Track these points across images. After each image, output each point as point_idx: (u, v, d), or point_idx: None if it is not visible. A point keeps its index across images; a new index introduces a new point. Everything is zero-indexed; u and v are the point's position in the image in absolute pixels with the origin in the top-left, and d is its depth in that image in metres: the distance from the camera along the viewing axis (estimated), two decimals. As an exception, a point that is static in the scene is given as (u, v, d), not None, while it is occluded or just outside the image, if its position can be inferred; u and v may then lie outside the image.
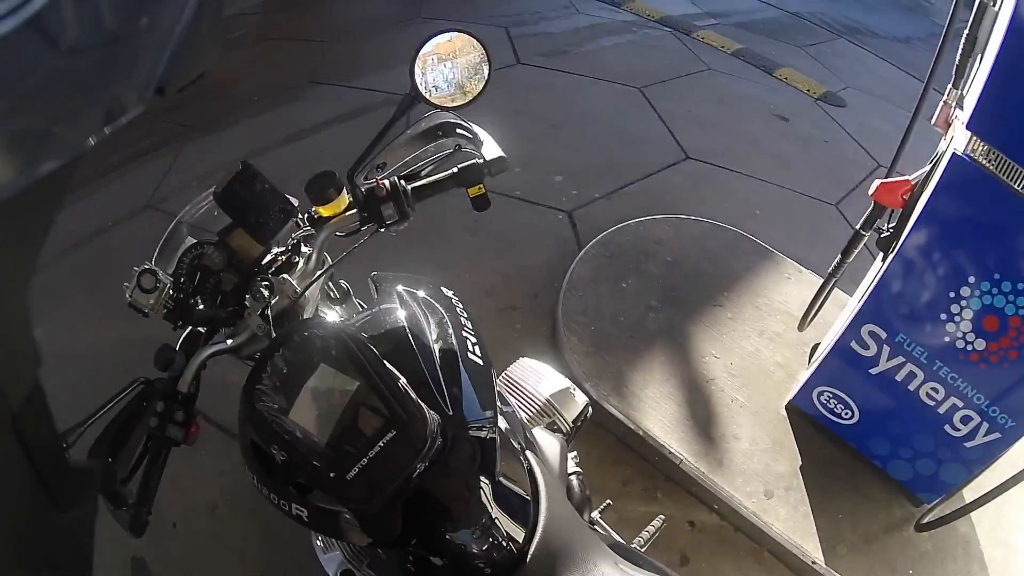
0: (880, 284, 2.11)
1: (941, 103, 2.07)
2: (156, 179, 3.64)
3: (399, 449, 0.79)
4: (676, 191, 3.84)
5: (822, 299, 2.67)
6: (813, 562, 2.26)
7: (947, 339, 2.03)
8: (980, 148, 1.75)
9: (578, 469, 1.49)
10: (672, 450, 2.38)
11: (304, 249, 1.18)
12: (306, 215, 1.18)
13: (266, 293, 1.05)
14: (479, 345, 1.08)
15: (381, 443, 0.78)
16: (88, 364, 2.23)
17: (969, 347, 2.01)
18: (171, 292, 1.05)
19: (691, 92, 4.94)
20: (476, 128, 1.24)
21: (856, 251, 2.39)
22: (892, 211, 2.15)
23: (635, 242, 3.17)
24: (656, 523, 1.82)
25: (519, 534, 0.97)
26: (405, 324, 1.03)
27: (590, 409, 1.58)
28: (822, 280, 3.09)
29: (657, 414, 2.48)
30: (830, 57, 5.96)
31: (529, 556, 0.93)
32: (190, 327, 1.09)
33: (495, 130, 1.21)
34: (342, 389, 0.81)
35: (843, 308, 2.70)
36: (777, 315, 2.98)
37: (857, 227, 2.29)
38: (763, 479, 2.41)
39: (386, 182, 1.13)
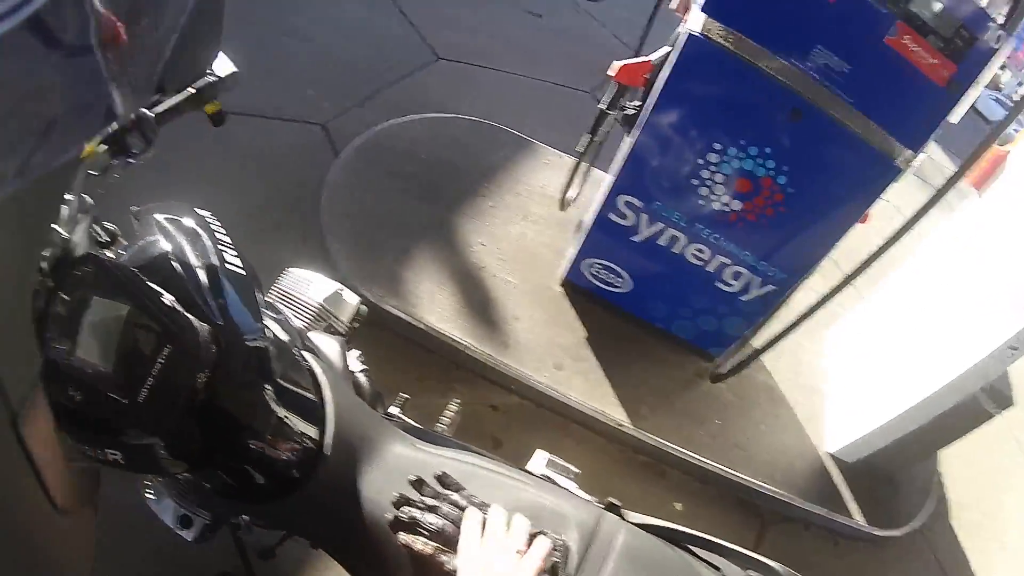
0: (631, 157, 2.17)
1: None
2: None
3: (178, 362, 0.79)
4: (430, 92, 3.66)
5: (578, 177, 2.71)
6: (619, 425, 2.32)
7: (702, 203, 2.16)
8: (715, 28, 1.85)
9: (365, 367, 1.50)
10: (456, 338, 2.29)
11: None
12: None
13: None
14: (239, 257, 1.02)
15: (160, 359, 0.78)
16: None
17: (726, 208, 2.15)
18: None
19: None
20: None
21: (603, 129, 2.43)
22: (636, 90, 2.20)
23: (391, 144, 2.97)
24: (453, 407, 1.76)
25: (312, 431, 0.99)
26: (167, 250, 0.95)
27: (364, 307, 1.58)
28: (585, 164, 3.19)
29: (435, 307, 2.37)
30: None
31: (325, 448, 0.97)
32: None
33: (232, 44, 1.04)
34: (115, 316, 0.77)
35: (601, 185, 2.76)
36: (539, 199, 2.98)
37: (602, 106, 2.31)
38: (550, 353, 2.41)
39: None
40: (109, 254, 1.11)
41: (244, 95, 2.23)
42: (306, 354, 1.13)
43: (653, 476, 2.40)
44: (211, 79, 1.02)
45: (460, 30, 4.35)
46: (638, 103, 2.20)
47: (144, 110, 0.95)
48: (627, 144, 2.23)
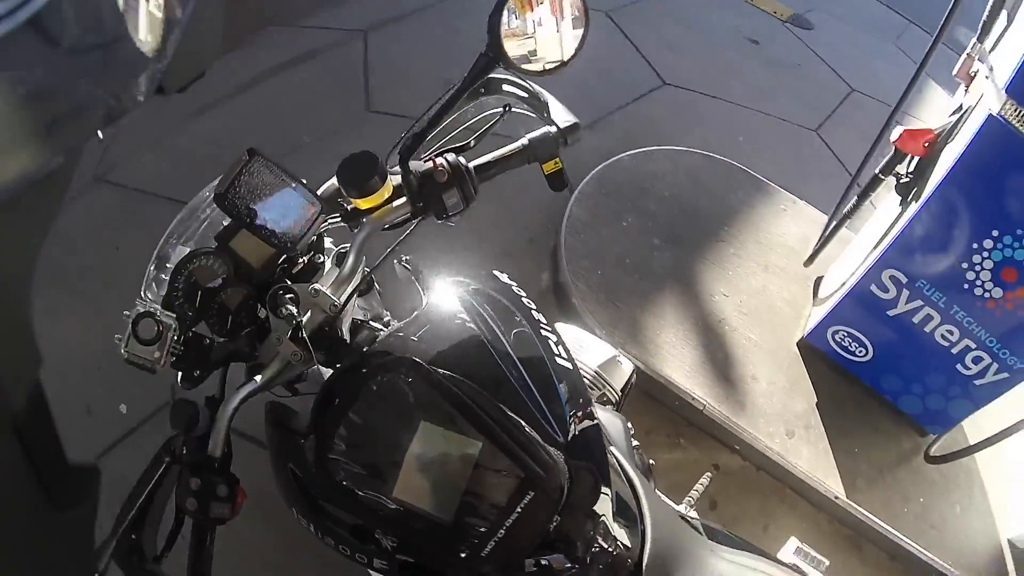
0: (905, 232, 2.12)
1: (964, 55, 2.05)
2: (99, 147, 3.15)
3: (539, 508, 0.70)
4: (658, 119, 3.67)
5: (829, 236, 2.65)
6: (836, 497, 2.28)
7: (966, 286, 2.09)
8: (1015, 112, 1.76)
9: (636, 442, 1.39)
10: (696, 396, 2.31)
11: (328, 245, 1.02)
12: (341, 212, 0.98)
13: (293, 309, 0.87)
14: (561, 343, 0.96)
15: (519, 508, 0.69)
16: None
17: (987, 294, 2.08)
18: (177, 334, 0.85)
19: (659, 16, 4.71)
20: (535, 85, 1.04)
21: (874, 194, 2.37)
22: (911, 157, 2.14)
23: (631, 178, 3.01)
24: (704, 481, 1.75)
25: (633, 542, 0.92)
26: (479, 333, 0.89)
27: (634, 376, 1.48)
28: (817, 211, 3.11)
29: (676, 360, 2.40)
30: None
31: (644, 564, 0.90)
32: (208, 371, 0.90)
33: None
34: (461, 454, 0.70)
35: (846, 244, 2.68)
36: (778, 249, 2.92)
37: (877, 171, 2.27)
38: (783, 419, 2.38)
39: (444, 161, 0.93)
40: (365, 307, 1.08)
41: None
42: (613, 450, 1.04)
43: (851, 547, 2.34)
44: (549, 130, 0.98)
45: (683, 54, 4.30)
46: (911, 172, 2.14)
47: (462, 161, 0.93)
48: (898, 215, 2.18)
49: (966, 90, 2.06)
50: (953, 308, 2.16)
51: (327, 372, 1.00)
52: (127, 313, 0.84)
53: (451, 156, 0.94)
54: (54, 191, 0.34)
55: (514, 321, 0.93)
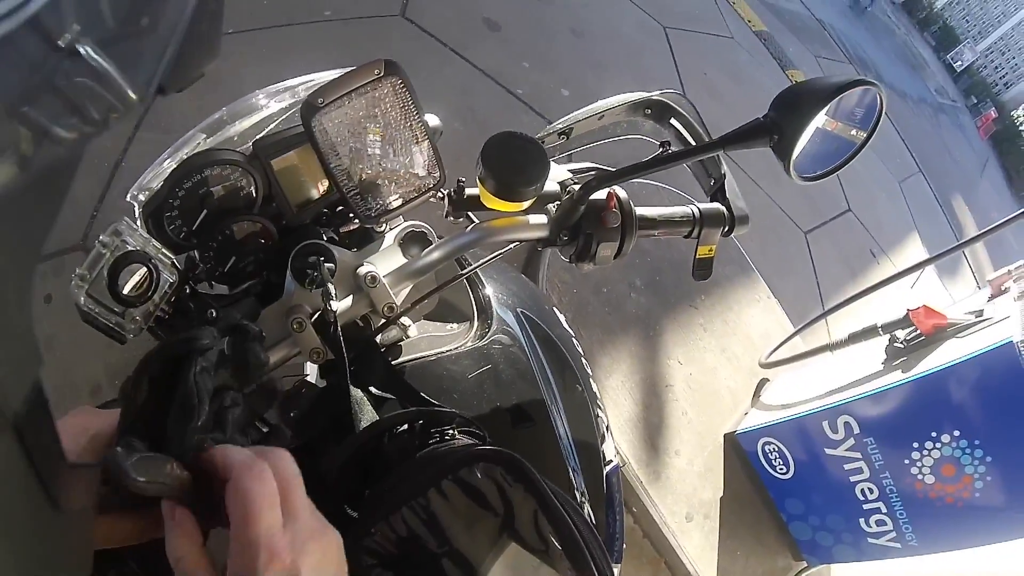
0: (880, 393, 2.19)
1: (1005, 269, 2.19)
2: None
3: None
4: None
5: (786, 349, 2.75)
6: (704, 595, 2.32)
7: (907, 462, 2.20)
8: None
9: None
10: (621, 452, 2.30)
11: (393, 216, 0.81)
12: (450, 191, 0.81)
13: (331, 287, 0.69)
14: (599, 398, 0.90)
15: None
16: None
17: (920, 476, 2.19)
18: (173, 289, 0.65)
19: (711, 54, 4.71)
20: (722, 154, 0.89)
21: (865, 341, 2.43)
22: (916, 329, 2.21)
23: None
24: None
25: None
26: (542, 396, 0.80)
27: None
28: (785, 316, 3.18)
29: (614, 407, 2.37)
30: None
31: None
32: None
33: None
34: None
35: (800, 363, 2.75)
36: (740, 336, 2.95)
37: (879, 325, 2.33)
38: (689, 501, 2.40)
39: (619, 197, 0.77)
40: (408, 324, 0.86)
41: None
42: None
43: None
44: (722, 209, 0.86)
45: (717, 102, 4.29)
46: (908, 340, 2.22)
47: (636, 211, 0.78)
48: (881, 376, 2.24)
49: (990, 298, 2.16)
50: (885, 474, 2.27)
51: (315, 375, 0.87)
52: (103, 241, 0.60)
53: (623, 195, 0.79)
54: (54, 191, 0.33)
55: (571, 376, 0.86)
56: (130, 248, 0.61)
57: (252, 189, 0.72)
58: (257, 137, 0.72)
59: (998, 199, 9.18)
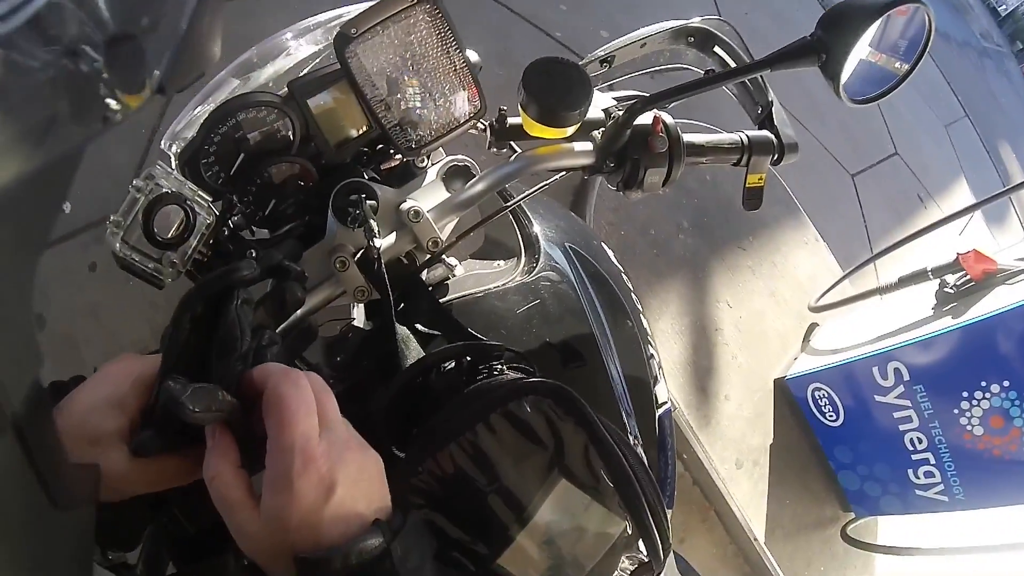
0: (930, 339, 2.15)
1: None
2: None
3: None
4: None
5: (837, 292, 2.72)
6: (755, 539, 2.29)
7: (956, 411, 2.16)
8: None
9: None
10: (670, 394, 2.24)
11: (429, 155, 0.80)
12: (491, 120, 0.79)
13: (373, 223, 0.68)
14: (650, 332, 0.89)
15: None
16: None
17: (969, 428, 2.16)
18: (211, 230, 0.64)
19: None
20: (764, 78, 0.87)
21: (914, 285, 2.38)
22: (966, 273, 2.17)
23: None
24: None
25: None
26: (591, 331, 0.79)
27: None
28: (833, 259, 3.09)
29: (664, 350, 2.30)
30: (883, 18, 5.73)
31: None
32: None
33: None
34: (598, 531, 0.56)
35: (850, 307, 2.68)
36: (788, 279, 2.86)
37: (928, 268, 2.29)
38: (738, 448, 2.36)
39: (665, 122, 0.74)
40: (454, 263, 0.88)
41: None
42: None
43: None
44: (770, 137, 0.84)
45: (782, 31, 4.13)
46: (958, 285, 2.18)
47: (684, 137, 0.79)
48: (931, 322, 2.19)
49: None
50: (934, 423, 2.23)
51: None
52: (137, 185, 0.60)
53: (669, 120, 0.75)
54: (54, 191, 0.34)
55: (621, 313, 0.85)
56: (164, 191, 0.60)
57: (289, 131, 0.71)
58: (292, 78, 0.71)
59: (1047, 144, 8.90)
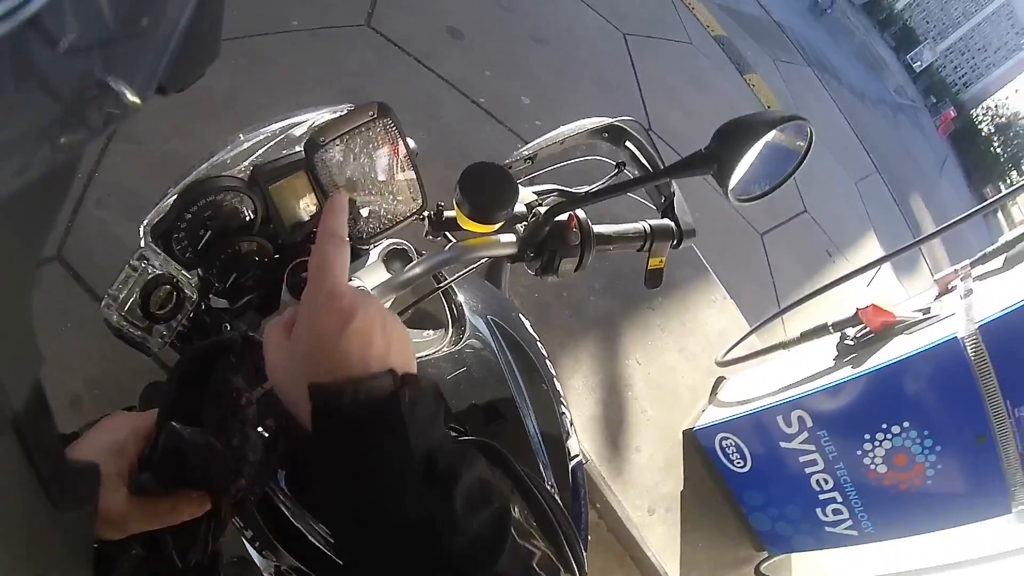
0: (831, 388, 2.35)
1: (952, 269, 2.38)
2: None
3: None
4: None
5: (743, 347, 2.94)
6: (668, 585, 2.49)
7: (859, 453, 2.36)
8: (976, 347, 2.01)
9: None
10: (583, 449, 2.45)
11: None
12: (430, 213, 0.90)
13: None
14: (564, 397, 1.00)
15: None
16: None
17: (873, 466, 2.36)
18: (193, 306, 0.77)
19: (670, 60, 4.92)
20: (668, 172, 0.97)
21: (816, 339, 2.61)
22: (865, 326, 2.38)
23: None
24: None
25: None
26: (511, 395, 0.91)
27: None
28: (741, 315, 3.37)
29: (576, 407, 2.52)
30: (795, 81, 6.24)
31: None
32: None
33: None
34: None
35: (756, 361, 2.95)
36: (697, 335, 3.13)
37: (829, 323, 2.51)
38: (651, 495, 2.57)
39: (578, 217, 0.88)
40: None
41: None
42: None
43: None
44: (669, 224, 0.95)
45: (674, 106, 4.49)
46: (858, 337, 2.39)
47: (594, 229, 0.86)
48: (832, 372, 2.40)
49: (937, 296, 2.35)
50: (839, 464, 2.43)
51: None
52: (133, 264, 0.72)
53: (582, 215, 0.89)
54: (54, 191, 0.35)
55: (537, 377, 0.97)
56: (158, 272, 0.73)
57: (250, 212, 0.80)
58: (253, 162, 0.80)
59: (957, 196, 9.60)
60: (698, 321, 3.18)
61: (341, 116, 0.78)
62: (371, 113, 0.78)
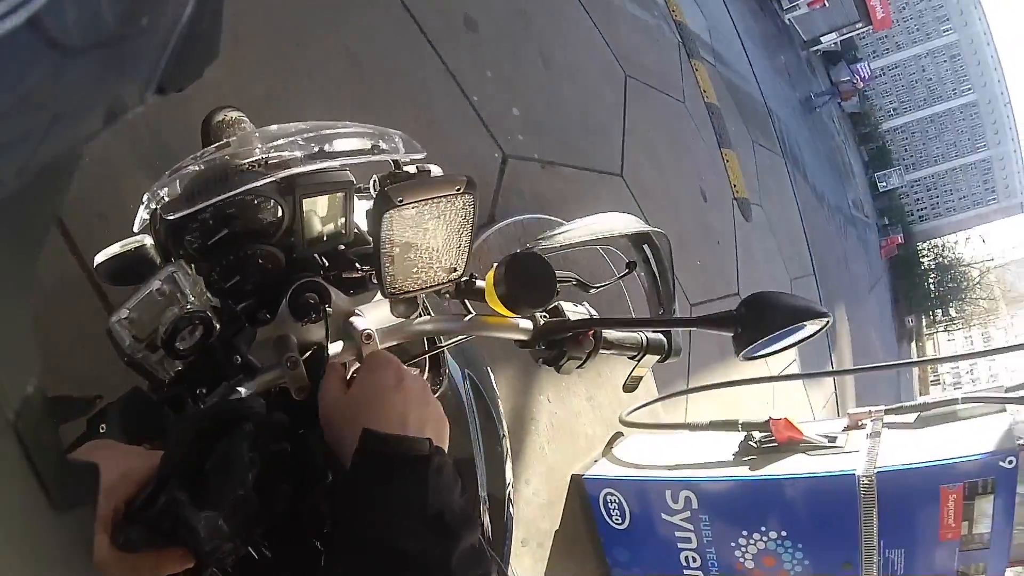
0: (728, 484, 2.55)
1: (869, 409, 2.58)
2: None
3: None
4: (594, 200, 3.96)
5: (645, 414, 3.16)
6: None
7: (733, 545, 2.57)
8: (869, 485, 2.22)
9: None
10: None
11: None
12: (461, 280, 0.87)
13: (321, 331, 0.76)
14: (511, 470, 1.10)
15: None
16: None
17: (742, 560, 2.57)
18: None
19: (659, 113, 5.11)
20: (673, 288, 1.06)
21: (724, 431, 2.78)
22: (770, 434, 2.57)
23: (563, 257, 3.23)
24: None
25: None
26: (473, 439, 0.98)
27: None
28: (652, 381, 3.54)
29: (481, 427, 2.62)
30: (767, 169, 6.54)
31: None
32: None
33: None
34: None
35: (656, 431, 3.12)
36: (609, 390, 3.29)
37: (740, 421, 2.68)
38: (528, 528, 2.69)
39: (593, 336, 0.92)
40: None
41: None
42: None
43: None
44: (662, 340, 0.99)
45: (650, 160, 4.66)
46: (760, 441, 2.59)
47: (603, 336, 0.90)
48: (711, 469, 2.61)
49: (845, 428, 2.55)
50: (711, 549, 2.62)
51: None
52: (161, 289, 0.69)
53: (591, 314, 0.93)
54: (54, 191, 0.35)
55: (494, 436, 1.06)
56: (195, 308, 0.71)
57: (275, 219, 0.78)
58: (288, 172, 0.76)
59: (879, 319, 10.18)
60: (614, 376, 3.33)
61: (424, 178, 0.77)
62: (458, 188, 0.75)
